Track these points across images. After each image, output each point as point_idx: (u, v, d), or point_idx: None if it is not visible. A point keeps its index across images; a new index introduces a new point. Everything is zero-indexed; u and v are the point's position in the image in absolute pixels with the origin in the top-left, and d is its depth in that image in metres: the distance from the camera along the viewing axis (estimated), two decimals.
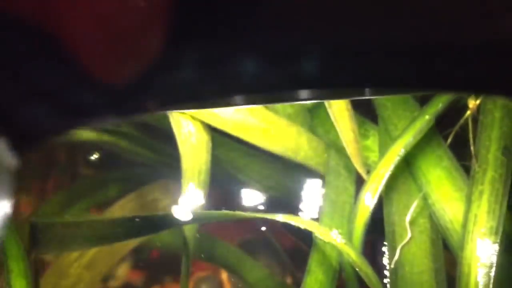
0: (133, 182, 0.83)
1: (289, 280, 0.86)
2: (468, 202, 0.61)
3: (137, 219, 0.66)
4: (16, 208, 0.84)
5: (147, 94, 0.22)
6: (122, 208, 0.80)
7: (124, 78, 0.21)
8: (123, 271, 0.84)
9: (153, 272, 0.85)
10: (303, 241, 0.76)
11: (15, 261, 0.62)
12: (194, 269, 0.85)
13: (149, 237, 0.79)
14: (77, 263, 0.77)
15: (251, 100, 0.40)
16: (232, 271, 0.80)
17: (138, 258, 0.84)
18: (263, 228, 0.81)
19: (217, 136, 0.73)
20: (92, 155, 0.87)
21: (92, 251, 0.77)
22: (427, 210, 0.64)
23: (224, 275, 0.86)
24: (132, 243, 0.78)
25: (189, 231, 0.69)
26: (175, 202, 0.73)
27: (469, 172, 0.64)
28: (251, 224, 0.87)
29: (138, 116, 0.67)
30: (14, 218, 0.83)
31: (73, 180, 0.88)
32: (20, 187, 0.85)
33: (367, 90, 0.44)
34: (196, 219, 0.66)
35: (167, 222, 0.66)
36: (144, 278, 0.85)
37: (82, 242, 0.67)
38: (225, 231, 0.87)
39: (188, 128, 0.69)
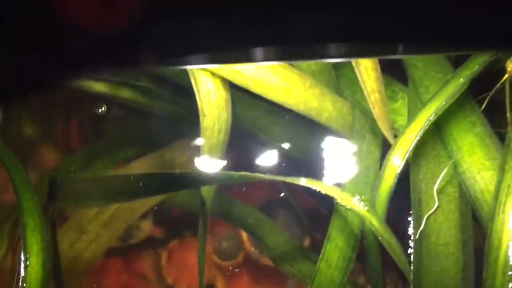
0: (153, 141, 0.81)
1: (307, 242, 0.85)
2: (501, 171, 0.58)
3: (155, 176, 0.64)
4: (38, 163, 0.83)
5: (142, 45, 0.19)
6: (140, 167, 0.79)
7: (113, 27, 0.18)
8: (145, 227, 0.84)
9: (173, 228, 0.85)
10: (323, 204, 0.73)
11: (31, 216, 0.61)
12: (215, 227, 0.84)
13: (168, 195, 0.78)
14: (96, 221, 0.76)
15: (272, 55, 0.37)
16: (251, 233, 0.78)
17: (159, 216, 0.83)
18: (283, 193, 0.79)
19: (238, 94, 0.70)
20: (110, 112, 0.86)
21: (111, 209, 0.76)
22: (457, 178, 0.61)
23: (244, 234, 0.85)
24: (151, 201, 0.77)
25: (207, 192, 0.67)
26: (193, 161, 0.72)
27: (503, 140, 0.60)
28: (272, 186, 0.84)
29: (137, 69, 0.64)
30: (35, 172, 0.82)
31: (97, 137, 0.87)
32: (43, 142, 0.84)
33: (399, 47, 0.40)
34: (214, 179, 0.64)
35: (185, 181, 0.64)
36: (164, 233, 0.84)
37: (98, 198, 0.65)
38: (245, 192, 0.85)
39: (208, 85, 0.67)
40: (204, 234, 0.66)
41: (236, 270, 0.83)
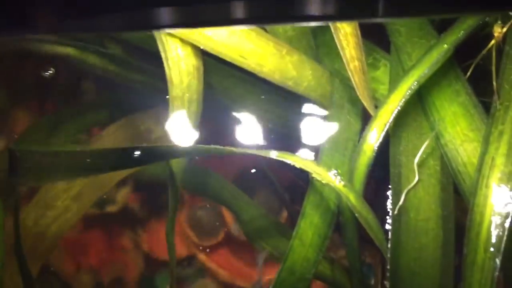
0: (124, 108, 0.77)
1: (284, 216, 0.82)
2: (486, 143, 0.55)
3: (120, 151, 0.61)
4: (10, 129, 0.80)
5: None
6: (112, 135, 0.75)
7: None
8: (121, 197, 0.81)
9: (152, 199, 0.82)
10: (301, 178, 0.70)
11: None
12: (192, 200, 0.81)
13: (139, 168, 0.74)
14: (66, 195, 0.73)
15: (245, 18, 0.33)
16: (226, 207, 0.75)
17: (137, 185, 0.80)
18: (253, 170, 0.76)
19: (211, 61, 0.66)
20: (81, 80, 0.82)
21: (80, 183, 0.73)
22: (439, 151, 0.58)
23: (225, 210, 0.82)
24: (120, 174, 0.73)
25: (177, 165, 0.63)
26: (167, 133, 0.68)
27: (489, 110, 0.57)
28: (249, 159, 0.81)
29: (93, 31, 0.60)
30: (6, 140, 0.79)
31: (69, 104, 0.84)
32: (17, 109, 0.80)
33: (380, 6, 0.36)
34: (184, 153, 0.60)
35: (153, 155, 0.61)
36: (143, 204, 0.81)
37: (62, 173, 0.62)
38: (221, 165, 0.81)
39: (177, 51, 0.62)
40: (174, 208, 0.63)
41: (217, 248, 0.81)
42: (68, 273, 0.82)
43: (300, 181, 0.71)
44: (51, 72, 0.77)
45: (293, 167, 0.57)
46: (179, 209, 0.81)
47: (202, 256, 0.82)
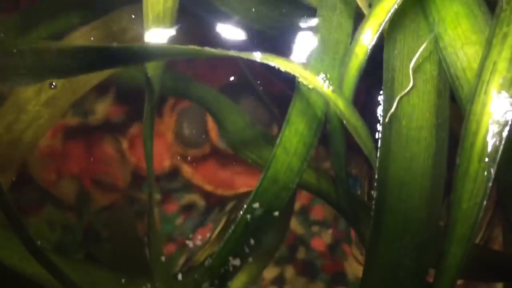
0: (98, 8, 0.71)
1: (275, 129, 0.79)
2: (488, 46, 0.50)
3: (90, 50, 0.55)
4: None
5: None
6: (84, 37, 0.69)
7: None
8: (102, 107, 0.77)
9: (134, 108, 0.78)
10: (291, 87, 0.66)
11: None
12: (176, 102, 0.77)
13: (114, 72, 0.70)
14: (36, 100, 0.69)
15: None
16: (210, 115, 0.71)
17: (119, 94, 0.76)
18: (232, 78, 0.71)
19: None
20: None
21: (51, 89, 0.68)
22: (437, 55, 0.53)
23: (210, 120, 0.79)
24: (94, 79, 0.69)
25: (153, 68, 0.58)
26: (142, 33, 0.62)
27: (494, 10, 0.51)
28: (234, 67, 0.77)
29: None
30: None
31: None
32: None
33: None
34: (159, 53, 0.55)
35: (126, 55, 0.56)
36: (124, 114, 0.78)
37: (27, 74, 0.57)
38: (206, 73, 0.77)
39: None
40: (150, 116, 0.59)
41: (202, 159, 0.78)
42: (49, 181, 0.79)
43: (290, 91, 0.67)
44: None
45: (284, 77, 0.52)
46: (164, 119, 0.78)
47: (188, 169, 0.79)
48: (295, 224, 0.80)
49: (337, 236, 0.79)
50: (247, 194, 0.76)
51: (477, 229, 0.48)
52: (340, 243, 0.79)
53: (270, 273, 0.78)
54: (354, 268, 0.78)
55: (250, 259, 0.53)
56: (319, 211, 0.80)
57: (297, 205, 0.81)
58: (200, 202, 0.80)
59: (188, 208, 0.80)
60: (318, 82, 0.52)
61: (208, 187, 0.80)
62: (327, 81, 0.52)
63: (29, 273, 0.60)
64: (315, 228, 0.80)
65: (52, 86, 0.62)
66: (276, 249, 0.76)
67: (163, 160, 0.80)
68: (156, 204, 0.78)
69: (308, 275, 0.79)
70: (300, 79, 0.52)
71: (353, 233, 0.79)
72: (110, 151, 0.79)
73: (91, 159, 0.79)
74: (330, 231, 0.79)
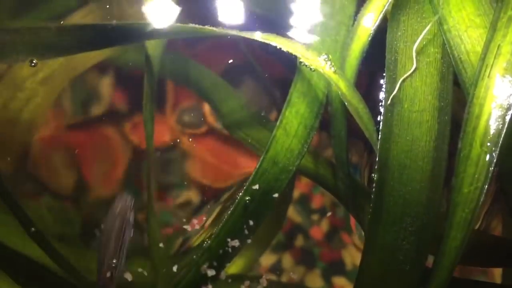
0: None
1: (274, 114, 0.78)
2: (492, 29, 0.49)
3: (88, 28, 0.55)
4: None
5: None
6: (83, 20, 0.68)
7: None
8: (106, 91, 0.76)
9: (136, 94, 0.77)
10: (292, 70, 0.65)
11: None
12: (175, 99, 0.76)
13: (113, 53, 0.69)
14: (32, 78, 0.68)
15: None
16: (206, 98, 0.70)
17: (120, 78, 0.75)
18: (231, 61, 0.70)
19: None
20: None
21: (48, 66, 0.67)
22: (440, 37, 0.52)
23: (206, 107, 0.78)
24: (93, 58, 0.68)
25: (153, 48, 0.58)
26: (143, 14, 0.62)
27: None
28: (235, 50, 0.76)
29: None
30: None
31: None
32: None
33: None
34: (159, 32, 0.54)
35: (125, 34, 0.55)
36: (126, 100, 0.77)
37: (24, 52, 0.56)
38: (205, 55, 0.76)
39: None
40: (150, 97, 0.58)
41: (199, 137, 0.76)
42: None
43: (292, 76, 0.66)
44: None
45: (284, 59, 0.52)
46: (164, 102, 0.77)
47: (188, 144, 0.78)
48: (293, 213, 0.79)
49: (335, 224, 0.79)
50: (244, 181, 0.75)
51: (478, 214, 0.48)
52: (338, 231, 0.78)
53: (267, 260, 0.77)
54: (354, 257, 0.78)
55: (249, 241, 0.52)
56: (318, 200, 0.80)
57: (296, 193, 0.80)
58: (196, 197, 0.79)
59: (184, 205, 0.79)
60: (319, 63, 0.51)
61: (204, 180, 0.79)
62: (329, 62, 0.51)
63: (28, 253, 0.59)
64: (314, 217, 0.80)
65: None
66: (274, 236, 0.76)
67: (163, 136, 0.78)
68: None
69: (306, 263, 0.78)
70: (302, 60, 0.51)
71: (353, 222, 0.78)
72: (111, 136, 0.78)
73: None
74: (328, 219, 0.78)
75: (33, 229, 0.54)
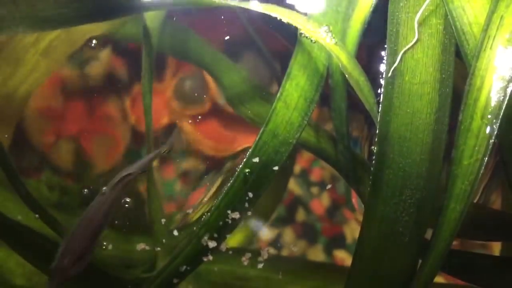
0: None
1: (275, 87, 0.77)
2: (496, 0, 0.49)
3: (86, 0, 0.54)
4: None
5: None
6: None
7: None
8: (105, 64, 0.75)
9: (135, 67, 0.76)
10: (292, 43, 0.65)
11: None
12: (176, 69, 0.75)
13: (111, 27, 0.68)
14: (34, 49, 0.67)
15: None
16: (207, 70, 0.70)
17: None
18: (227, 37, 0.69)
19: None
20: None
21: (48, 37, 0.67)
22: (443, 8, 0.52)
23: (210, 80, 0.77)
24: (92, 32, 0.67)
25: (152, 20, 0.57)
26: None
27: None
28: (235, 23, 0.75)
29: None
30: None
31: None
32: None
33: None
34: (156, 3, 0.54)
35: (123, 5, 0.54)
36: (125, 72, 0.76)
37: (23, 24, 0.55)
38: (206, 28, 0.75)
39: None
40: (149, 70, 0.58)
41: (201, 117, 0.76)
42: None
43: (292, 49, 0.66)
44: None
45: (286, 32, 0.51)
46: (164, 77, 0.76)
47: (188, 126, 0.78)
48: (294, 186, 0.79)
49: (337, 200, 0.79)
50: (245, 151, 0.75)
51: (477, 187, 0.48)
52: (340, 207, 0.79)
53: (267, 234, 0.78)
54: (355, 231, 0.78)
55: (249, 213, 0.52)
56: (318, 173, 0.80)
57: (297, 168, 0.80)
58: (199, 166, 0.79)
59: (187, 173, 0.79)
60: (320, 35, 0.51)
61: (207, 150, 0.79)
62: (330, 34, 0.50)
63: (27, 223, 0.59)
64: (314, 190, 0.80)
65: None
66: (273, 210, 0.76)
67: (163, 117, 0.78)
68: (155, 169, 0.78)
69: (308, 238, 0.78)
70: (302, 31, 0.51)
71: (355, 199, 0.78)
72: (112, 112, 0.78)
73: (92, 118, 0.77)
74: (329, 194, 0.79)
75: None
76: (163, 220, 0.63)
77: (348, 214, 0.76)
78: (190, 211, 0.69)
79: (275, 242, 0.74)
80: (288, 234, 0.76)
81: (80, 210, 0.73)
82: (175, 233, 0.63)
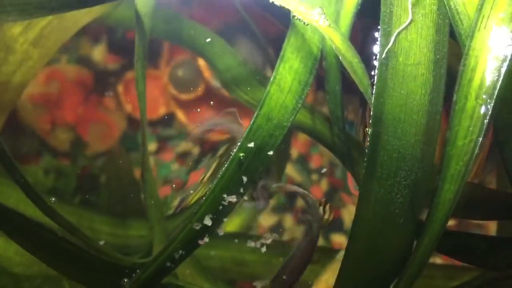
0: None
1: (269, 71, 0.77)
2: None
3: None
4: None
5: None
6: None
7: None
8: (98, 54, 0.75)
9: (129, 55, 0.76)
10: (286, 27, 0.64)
11: None
12: (170, 55, 0.75)
13: (104, 13, 0.68)
14: (23, 38, 0.67)
15: None
16: (201, 55, 0.70)
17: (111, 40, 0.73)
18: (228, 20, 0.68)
19: None
20: None
21: (38, 26, 0.66)
22: None
23: (201, 61, 0.77)
24: (83, 18, 0.67)
25: (143, 5, 0.57)
26: None
27: None
28: (231, 7, 0.74)
29: None
30: None
31: None
32: None
33: None
34: None
35: None
36: (120, 62, 0.76)
37: (13, 12, 0.55)
38: (200, 14, 0.75)
39: None
40: (142, 55, 0.57)
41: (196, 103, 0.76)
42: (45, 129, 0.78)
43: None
44: None
45: (281, 16, 0.50)
46: (159, 65, 0.76)
47: (182, 114, 0.78)
48: (293, 171, 0.80)
49: (335, 184, 0.79)
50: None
51: (471, 168, 0.48)
52: (338, 192, 0.79)
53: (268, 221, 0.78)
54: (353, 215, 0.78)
55: (245, 197, 0.52)
56: (317, 159, 0.80)
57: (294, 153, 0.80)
58: (195, 149, 0.79)
59: (183, 156, 0.79)
60: (313, 17, 0.50)
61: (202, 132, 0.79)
62: (323, 16, 0.50)
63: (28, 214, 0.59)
64: (313, 176, 0.80)
65: None
66: (272, 195, 0.76)
67: (158, 106, 0.78)
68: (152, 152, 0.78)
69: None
70: (295, 13, 0.50)
71: (351, 184, 0.78)
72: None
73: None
74: (327, 179, 0.79)
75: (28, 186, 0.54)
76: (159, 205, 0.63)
77: (346, 197, 0.77)
78: (187, 195, 0.69)
79: (277, 228, 0.74)
80: (288, 221, 0.76)
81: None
82: (171, 217, 0.63)
